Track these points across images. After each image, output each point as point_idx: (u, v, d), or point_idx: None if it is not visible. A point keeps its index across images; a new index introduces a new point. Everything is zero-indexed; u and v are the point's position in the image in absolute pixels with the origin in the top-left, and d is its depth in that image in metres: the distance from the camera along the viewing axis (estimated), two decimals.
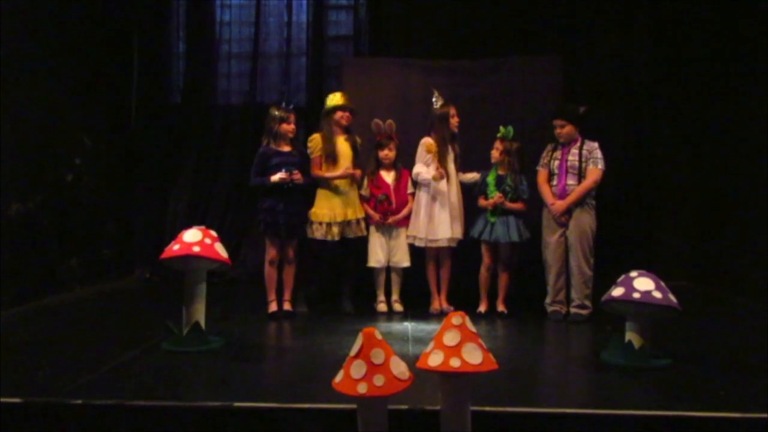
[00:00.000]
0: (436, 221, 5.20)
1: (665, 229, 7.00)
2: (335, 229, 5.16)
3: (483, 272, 5.26)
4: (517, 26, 6.84)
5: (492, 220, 5.13)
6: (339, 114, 5.23)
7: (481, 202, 5.24)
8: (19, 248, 5.30)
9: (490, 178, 5.22)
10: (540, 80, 6.01)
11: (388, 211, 5.28)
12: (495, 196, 5.14)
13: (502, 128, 5.23)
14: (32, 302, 5.38)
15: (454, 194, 5.25)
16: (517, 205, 5.16)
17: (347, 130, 5.31)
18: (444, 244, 5.21)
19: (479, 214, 5.27)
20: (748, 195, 6.01)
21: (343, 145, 5.26)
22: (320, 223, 5.17)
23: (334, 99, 5.27)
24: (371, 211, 5.28)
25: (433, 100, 5.29)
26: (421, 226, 5.24)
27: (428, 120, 5.33)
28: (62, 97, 5.94)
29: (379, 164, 5.37)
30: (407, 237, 5.30)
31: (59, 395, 3.10)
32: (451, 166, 5.26)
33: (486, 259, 5.24)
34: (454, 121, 5.26)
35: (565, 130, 5.07)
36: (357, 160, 5.30)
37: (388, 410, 2.64)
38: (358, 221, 5.24)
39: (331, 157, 5.20)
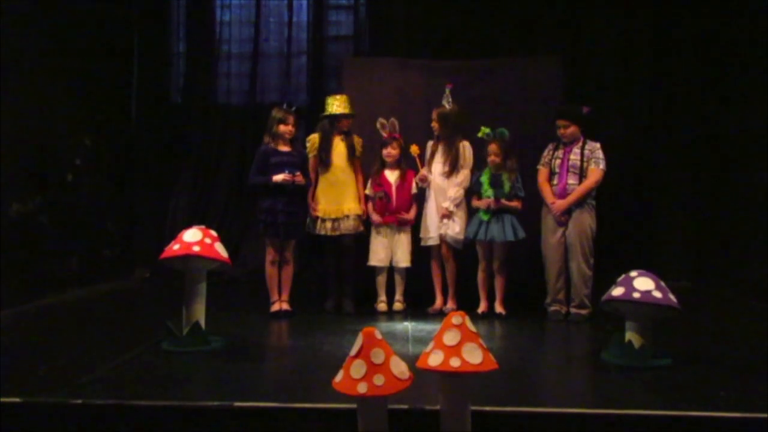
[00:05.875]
0: (435, 220, 5.24)
1: (665, 229, 7.00)
2: (328, 224, 5.21)
3: (480, 273, 5.25)
4: (517, 26, 6.85)
5: (485, 218, 5.11)
6: (345, 122, 5.27)
7: (474, 202, 5.23)
8: (19, 248, 5.30)
9: (484, 178, 5.19)
10: (540, 80, 6.00)
11: (387, 209, 5.28)
12: (486, 198, 5.12)
13: (484, 129, 5.18)
14: (32, 302, 5.37)
15: (449, 194, 5.24)
16: (515, 203, 5.15)
17: (345, 132, 5.34)
18: (444, 241, 5.22)
19: (472, 214, 5.25)
20: (747, 195, 6.01)
21: (338, 146, 5.30)
22: (314, 218, 5.23)
23: (341, 106, 5.27)
24: (372, 213, 5.30)
25: (443, 102, 5.29)
26: (424, 226, 5.30)
27: None
28: (62, 97, 5.94)
29: (384, 163, 5.38)
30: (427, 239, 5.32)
31: (59, 395, 3.09)
32: (437, 169, 5.26)
33: (482, 260, 5.23)
34: (433, 125, 5.29)
35: (569, 130, 5.07)
36: (353, 159, 5.32)
37: (388, 410, 2.64)
38: (357, 217, 5.25)
39: (324, 159, 5.23)
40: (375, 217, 5.30)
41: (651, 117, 6.98)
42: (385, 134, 5.36)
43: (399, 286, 5.40)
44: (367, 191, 5.35)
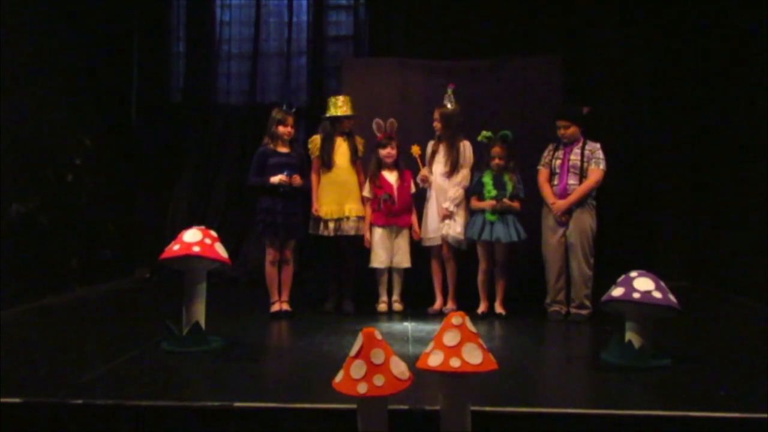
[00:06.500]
0: (436, 220, 5.24)
1: (665, 229, 7.00)
2: (331, 225, 5.21)
3: (481, 274, 5.24)
4: (517, 26, 6.85)
5: (492, 219, 5.11)
6: (347, 123, 5.27)
7: (475, 203, 5.23)
8: (19, 248, 5.30)
9: (487, 179, 5.19)
10: (540, 80, 6.01)
11: (391, 211, 5.27)
12: (492, 199, 5.11)
13: (485, 133, 5.17)
14: (32, 302, 5.37)
15: (449, 195, 5.24)
16: (516, 204, 5.15)
17: (347, 132, 5.34)
18: (445, 241, 5.22)
19: (472, 215, 5.25)
20: (747, 195, 6.01)
21: (341, 147, 5.30)
22: (317, 219, 5.24)
23: (342, 107, 5.26)
24: (367, 220, 5.29)
25: (445, 101, 5.29)
26: (425, 226, 5.30)
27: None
28: (62, 97, 5.94)
29: (381, 164, 5.36)
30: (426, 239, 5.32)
31: (59, 395, 3.10)
32: (438, 169, 5.27)
33: (483, 261, 5.22)
34: (435, 125, 5.29)
35: (569, 131, 5.07)
36: (355, 158, 5.32)
37: (388, 410, 2.64)
38: (358, 218, 5.26)
39: (327, 160, 5.23)
40: (367, 224, 5.28)
41: (651, 117, 6.98)
42: (380, 135, 5.35)
43: (397, 287, 5.39)
44: (366, 193, 5.34)
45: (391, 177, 5.35)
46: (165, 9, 7.39)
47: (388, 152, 5.31)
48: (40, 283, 5.58)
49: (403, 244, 5.33)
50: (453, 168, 5.22)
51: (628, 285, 3.79)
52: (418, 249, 5.38)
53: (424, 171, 5.29)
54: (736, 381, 3.45)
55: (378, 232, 5.32)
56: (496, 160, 5.17)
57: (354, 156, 5.32)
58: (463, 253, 5.31)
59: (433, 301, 5.36)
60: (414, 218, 5.36)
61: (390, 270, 5.38)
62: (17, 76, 5.28)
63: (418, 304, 5.35)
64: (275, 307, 5.13)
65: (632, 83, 6.98)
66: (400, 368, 2.59)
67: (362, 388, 2.50)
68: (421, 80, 6.04)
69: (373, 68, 6.29)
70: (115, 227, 6.81)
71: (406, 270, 5.37)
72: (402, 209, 5.31)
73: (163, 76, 7.42)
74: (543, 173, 5.19)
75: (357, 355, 2.57)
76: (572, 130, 5.07)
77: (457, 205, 5.22)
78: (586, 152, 5.05)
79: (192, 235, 4.11)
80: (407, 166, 5.40)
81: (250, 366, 3.84)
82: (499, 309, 5.19)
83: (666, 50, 6.90)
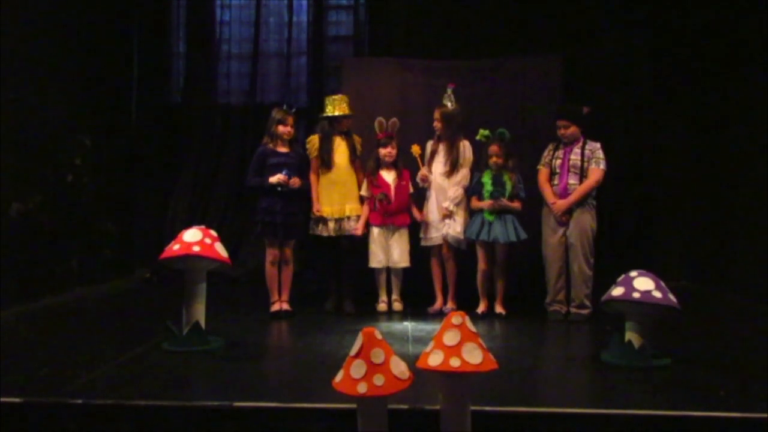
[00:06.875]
0: (436, 219, 5.24)
1: (665, 229, 7.00)
2: (331, 225, 5.21)
3: (480, 274, 5.23)
4: (517, 26, 6.85)
5: (490, 219, 5.11)
6: (345, 122, 5.27)
7: (475, 203, 5.22)
8: (19, 248, 5.30)
9: (486, 179, 5.18)
10: (540, 80, 6.01)
11: (387, 211, 5.26)
12: (489, 198, 5.11)
13: (483, 131, 5.17)
14: (32, 302, 5.37)
15: (449, 194, 5.24)
16: (516, 204, 5.15)
17: (345, 132, 5.34)
18: (445, 241, 5.22)
19: (472, 215, 5.25)
20: (748, 195, 6.01)
21: (340, 146, 5.30)
22: (318, 219, 5.24)
23: (339, 107, 5.26)
24: (363, 217, 5.28)
25: (445, 101, 5.28)
26: (425, 226, 5.31)
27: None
28: (62, 97, 5.94)
29: (380, 163, 5.36)
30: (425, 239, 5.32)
31: (59, 395, 3.09)
32: (438, 168, 5.26)
33: (482, 261, 5.22)
34: (435, 125, 5.28)
35: (569, 130, 5.07)
36: (354, 157, 5.32)
37: (388, 410, 2.64)
38: (358, 218, 5.26)
39: (326, 159, 5.23)
40: (360, 228, 5.25)
41: (651, 117, 6.98)
42: (380, 134, 5.34)
43: (396, 287, 5.38)
44: (363, 192, 5.33)
45: (388, 176, 5.34)
46: (165, 9, 7.40)
47: (388, 151, 5.31)
48: (40, 283, 5.58)
49: (400, 243, 5.32)
50: (453, 168, 5.22)
51: (628, 285, 3.79)
52: (417, 249, 5.38)
53: (423, 171, 5.29)
54: (736, 381, 3.45)
55: (375, 232, 5.31)
56: (494, 159, 5.16)
57: (353, 155, 5.32)
58: (462, 252, 5.31)
59: (433, 300, 5.36)
60: (414, 210, 5.34)
61: (389, 270, 5.37)
62: (18, 76, 5.28)
63: (418, 304, 5.35)
64: (275, 307, 5.13)
65: (632, 83, 6.98)
66: (400, 368, 2.59)
67: (362, 388, 2.50)
68: (421, 80, 6.04)
69: (373, 68, 6.29)
70: (115, 227, 6.81)
71: (405, 269, 5.36)
72: (398, 209, 5.30)
73: (163, 76, 7.42)
74: (543, 173, 5.18)
75: (357, 355, 2.57)
76: (572, 130, 5.07)
77: (457, 205, 5.22)
78: (586, 152, 5.05)
79: (192, 235, 4.11)
80: (407, 165, 5.39)
81: (250, 366, 3.84)
82: (499, 309, 5.19)
83: (666, 50, 6.90)
